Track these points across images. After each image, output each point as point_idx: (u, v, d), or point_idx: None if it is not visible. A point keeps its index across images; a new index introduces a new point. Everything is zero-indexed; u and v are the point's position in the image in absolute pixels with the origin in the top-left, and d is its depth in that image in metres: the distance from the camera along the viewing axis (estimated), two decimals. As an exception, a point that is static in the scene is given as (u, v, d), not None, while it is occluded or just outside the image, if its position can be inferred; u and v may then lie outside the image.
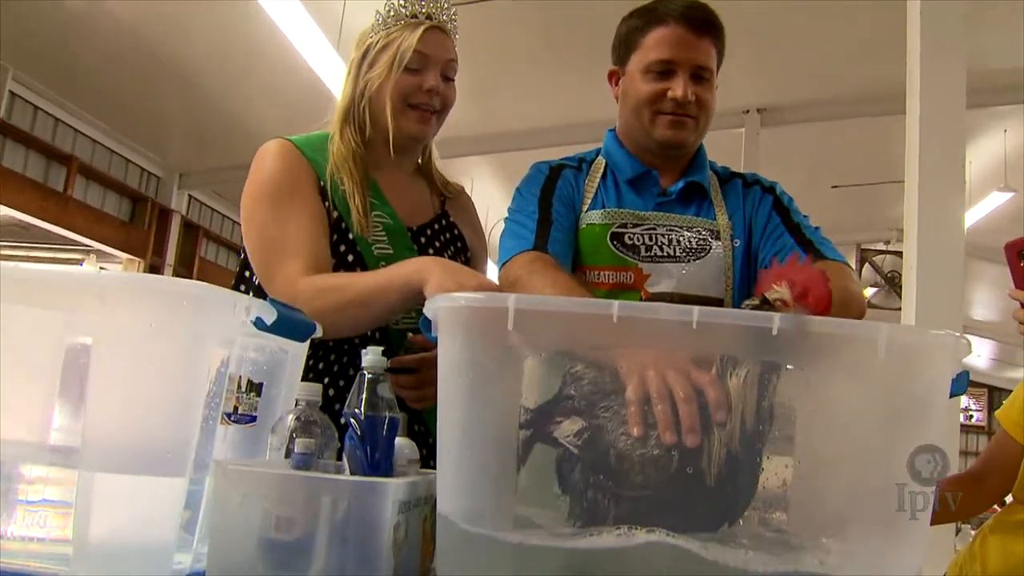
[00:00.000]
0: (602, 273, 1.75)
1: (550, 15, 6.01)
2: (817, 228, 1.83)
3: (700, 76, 1.78)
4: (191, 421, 1.12)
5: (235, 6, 5.85)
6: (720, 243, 1.78)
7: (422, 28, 1.82)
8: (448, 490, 1.04)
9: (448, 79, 1.87)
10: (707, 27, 1.78)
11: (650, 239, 1.76)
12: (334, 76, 5.91)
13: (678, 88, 1.75)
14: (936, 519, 1.97)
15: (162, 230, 9.23)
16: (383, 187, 1.87)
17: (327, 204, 1.79)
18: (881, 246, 10.53)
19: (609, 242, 1.76)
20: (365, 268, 1.79)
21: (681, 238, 1.77)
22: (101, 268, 9.28)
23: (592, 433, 1.02)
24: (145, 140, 8.78)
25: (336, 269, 1.77)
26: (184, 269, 9.61)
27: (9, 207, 7.15)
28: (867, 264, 10.61)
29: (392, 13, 1.84)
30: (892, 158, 3.79)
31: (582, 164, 1.90)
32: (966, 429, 14.45)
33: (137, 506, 1.10)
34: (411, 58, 1.80)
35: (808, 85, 7.17)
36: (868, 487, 1.02)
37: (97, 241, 8.39)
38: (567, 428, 1.03)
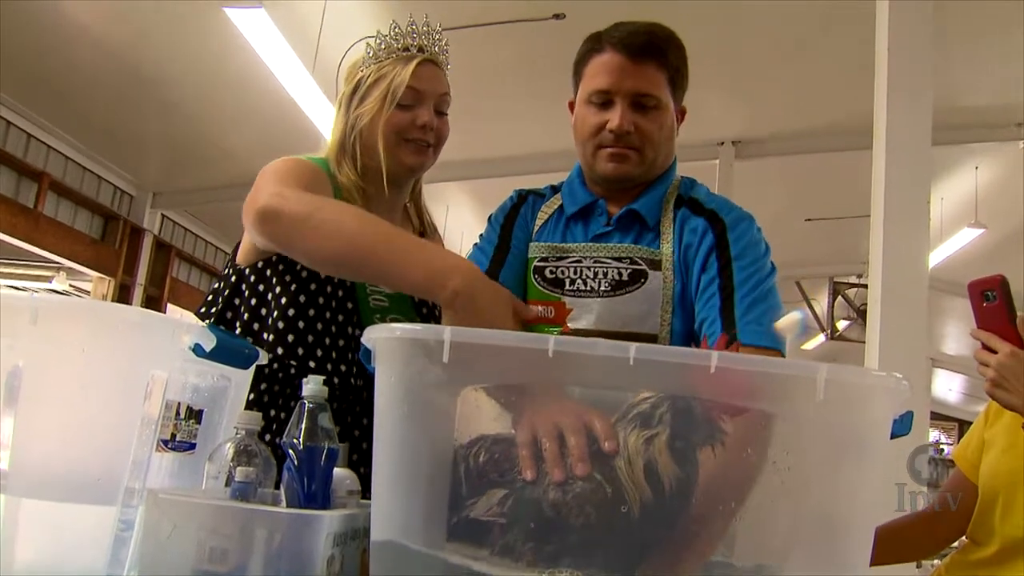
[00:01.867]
0: (531, 307, 1.65)
1: (529, 42, 6.05)
2: (763, 286, 1.60)
3: (642, 104, 1.67)
4: (123, 449, 1.10)
5: (212, 28, 5.85)
6: (660, 274, 1.65)
7: (415, 62, 1.76)
8: (381, 522, 1.03)
9: (442, 113, 1.82)
10: (648, 52, 1.66)
11: (575, 272, 1.68)
12: (309, 99, 5.93)
13: (614, 119, 1.66)
14: (885, 559, 1.99)
15: (133, 249, 9.17)
16: None
17: None
18: (854, 279, 10.60)
19: (532, 276, 1.69)
20: (359, 315, 1.77)
21: (609, 271, 1.66)
22: (71, 286, 9.21)
23: (515, 496, 1.01)
24: (118, 158, 8.74)
25: (332, 310, 1.75)
26: (155, 289, 9.55)
27: (-22, 223, 7.11)
28: (840, 297, 10.70)
29: (383, 46, 1.79)
30: (865, 192, 3.81)
31: (548, 192, 1.85)
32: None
33: (65, 533, 1.08)
34: (404, 94, 1.75)
35: (783, 118, 7.25)
36: (807, 525, 1.01)
37: (67, 259, 8.33)
38: (484, 504, 1.02)
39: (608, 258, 1.68)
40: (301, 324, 1.72)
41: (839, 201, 8.04)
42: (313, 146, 1.87)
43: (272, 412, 1.70)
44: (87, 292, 9.16)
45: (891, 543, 1.92)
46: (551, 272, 1.69)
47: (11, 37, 6.26)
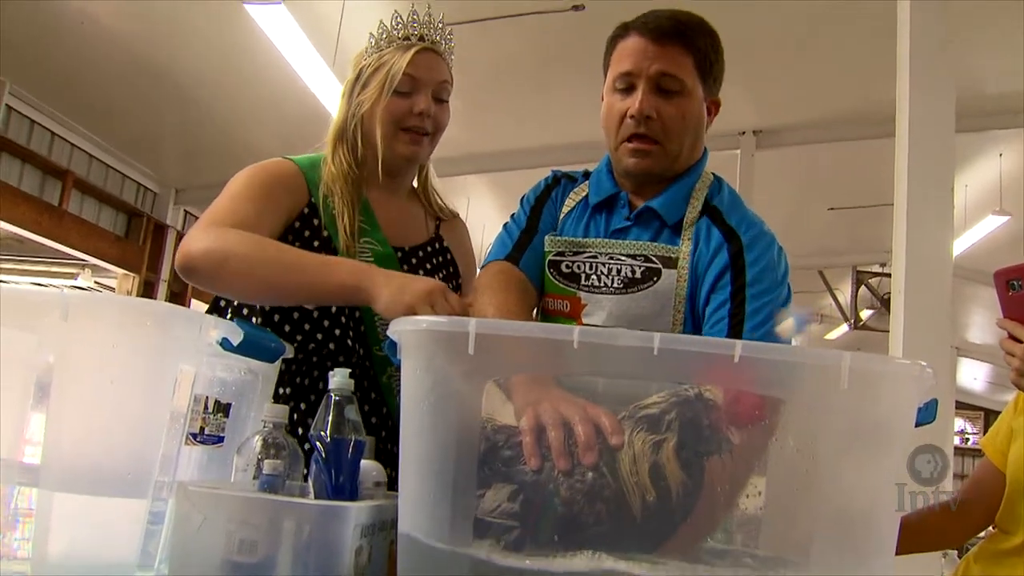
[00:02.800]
0: (545, 299, 1.70)
1: (547, 35, 6.03)
2: (775, 320, 1.58)
3: (666, 89, 1.62)
4: (153, 442, 1.12)
5: (233, 24, 5.87)
6: (675, 272, 1.63)
7: (413, 50, 1.79)
8: (408, 514, 1.04)
9: (441, 101, 1.85)
10: (672, 34, 1.62)
11: (590, 268, 1.66)
12: (329, 95, 5.95)
13: (635, 103, 1.61)
14: (912, 548, 1.98)
15: (157, 245, 9.22)
16: (375, 209, 1.86)
17: (317, 222, 1.79)
18: (877, 268, 10.53)
19: (547, 270, 1.70)
20: None
21: (622, 267, 1.65)
22: (96, 283, 9.28)
23: (526, 491, 1.02)
24: (141, 155, 8.79)
25: None
26: (179, 285, 9.59)
27: (4, 221, 7.14)
28: (863, 286, 10.63)
29: (385, 35, 1.83)
30: (888, 180, 3.78)
31: (580, 179, 1.82)
32: (962, 452, 14.40)
33: (97, 527, 1.10)
34: (401, 81, 1.78)
35: (804, 107, 7.18)
36: (832, 513, 1.01)
37: (92, 256, 8.37)
38: (491, 500, 1.03)
39: (623, 255, 1.65)
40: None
41: (862, 190, 7.98)
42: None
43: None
44: (112, 289, 9.22)
45: (917, 532, 1.91)
46: (567, 267, 1.68)
47: (34, 37, 6.31)
